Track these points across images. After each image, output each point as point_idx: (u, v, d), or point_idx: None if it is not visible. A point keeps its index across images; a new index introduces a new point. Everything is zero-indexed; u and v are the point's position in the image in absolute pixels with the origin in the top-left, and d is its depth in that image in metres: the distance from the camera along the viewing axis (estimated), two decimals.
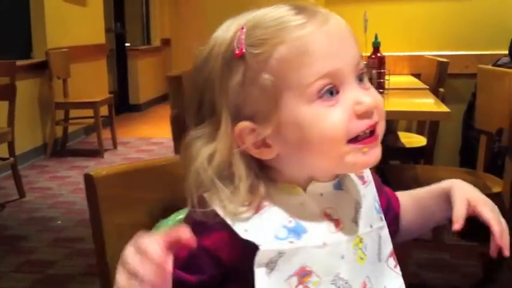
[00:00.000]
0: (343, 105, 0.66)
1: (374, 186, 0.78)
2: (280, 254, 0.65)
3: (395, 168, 2.65)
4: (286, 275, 0.66)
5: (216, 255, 0.67)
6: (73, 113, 5.28)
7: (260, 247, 0.65)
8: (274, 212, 0.68)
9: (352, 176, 0.75)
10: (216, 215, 0.66)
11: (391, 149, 3.00)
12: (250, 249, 0.65)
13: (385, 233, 0.76)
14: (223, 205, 0.66)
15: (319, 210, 0.70)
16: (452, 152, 3.27)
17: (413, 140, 3.10)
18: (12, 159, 3.71)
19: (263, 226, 0.66)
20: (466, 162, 3.05)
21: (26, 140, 4.73)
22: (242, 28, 0.67)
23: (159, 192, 0.84)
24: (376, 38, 2.55)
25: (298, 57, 0.65)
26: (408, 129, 3.33)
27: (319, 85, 0.65)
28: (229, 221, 0.66)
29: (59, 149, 5.19)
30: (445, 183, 0.82)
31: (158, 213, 0.82)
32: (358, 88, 0.67)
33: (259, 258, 0.65)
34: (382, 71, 2.46)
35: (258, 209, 0.67)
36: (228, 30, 0.69)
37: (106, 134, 5.23)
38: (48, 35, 5.08)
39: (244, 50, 0.66)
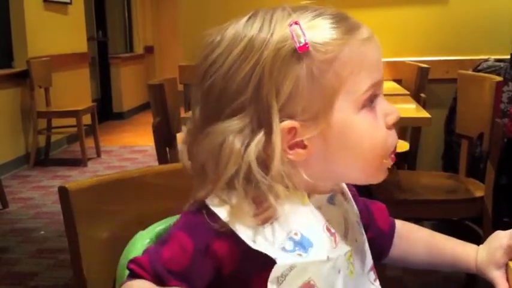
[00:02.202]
0: (379, 116, 0.67)
1: (353, 201, 0.78)
2: (292, 268, 0.65)
3: None
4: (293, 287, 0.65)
5: (218, 262, 0.65)
6: (56, 122, 5.25)
7: (277, 261, 0.64)
8: (279, 223, 0.66)
9: (338, 198, 0.75)
10: (219, 221, 0.64)
11: None
12: (249, 258, 0.65)
13: (367, 246, 0.77)
14: (233, 212, 0.64)
15: (322, 224, 0.69)
16: (435, 157, 3.29)
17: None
18: None
19: (270, 237, 0.65)
20: (449, 167, 3.07)
21: (8, 150, 4.69)
22: (295, 23, 0.64)
23: (136, 204, 0.84)
24: None
25: (359, 62, 0.66)
26: None
27: (369, 93, 0.66)
28: (238, 231, 0.64)
29: (42, 158, 5.14)
30: (474, 260, 0.79)
31: (135, 225, 0.81)
32: (384, 99, 0.69)
33: (274, 272, 0.64)
34: None
35: (266, 220, 0.66)
36: (266, 25, 0.65)
37: (89, 142, 5.19)
38: (29, 44, 5.04)
39: (309, 46, 0.64)
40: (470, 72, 2.77)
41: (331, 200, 0.72)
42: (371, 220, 0.82)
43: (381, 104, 0.68)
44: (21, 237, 3.25)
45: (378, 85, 0.67)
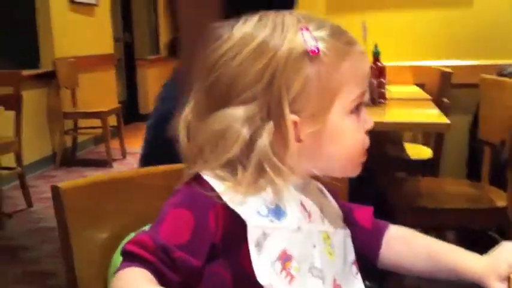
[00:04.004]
0: (361, 122, 0.76)
1: (333, 200, 0.84)
2: (264, 234, 0.69)
3: (400, 180, 2.62)
4: (272, 259, 0.69)
5: (213, 232, 0.69)
6: (82, 122, 5.31)
7: (248, 223, 0.69)
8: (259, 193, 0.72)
9: (313, 185, 0.81)
10: (212, 191, 0.70)
11: (397, 160, 2.97)
12: (236, 228, 0.69)
13: (349, 241, 0.82)
14: (226, 185, 0.71)
15: (297, 200, 0.75)
16: (460, 164, 3.23)
17: (419, 151, 3.07)
18: (19, 169, 3.73)
19: (248, 202, 0.71)
20: (473, 174, 3.01)
21: (35, 150, 4.76)
22: (305, 29, 0.72)
23: (131, 205, 0.83)
24: (375, 47, 2.52)
25: (355, 72, 0.75)
26: (414, 141, 3.30)
27: (358, 101, 0.75)
28: (226, 200, 0.70)
29: (68, 158, 5.21)
30: (476, 271, 0.79)
31: (129, 226, 0.81)
32: (364, 108, 0.77)
33: (250, 235, 0.69)
34: (382, 80, 2.44)
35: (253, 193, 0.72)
36: (278, 28, 0.73)
37: (115, 143, 5.24)
38: (55, 45, 5.11)
39: (319, 51, 0.72)
40: (492, 76, 2.71)
41: (303, 188, 0.78)
42: (350, 218, 0.85)
43: (362, 111, 0.77)
44: (43, 237, 3.29)
45: (363, 94, 0.76)
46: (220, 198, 0.70)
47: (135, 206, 0.83)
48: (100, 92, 5.93)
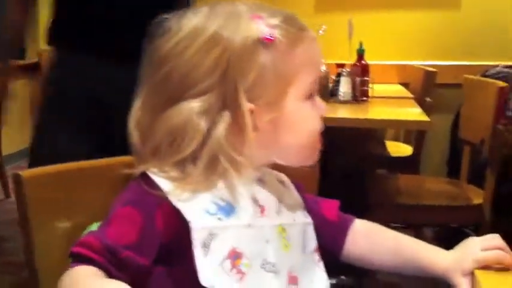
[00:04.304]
0: (315, 108, 0.76)
1: (295, 191, 0.84)
2: (211, 235, 0.69)
3: (380, 177, 2.63)
4: (220, 258, 0.68)
5: (160, 231, 0.68)
6: None
7: (191, 224, 0.68)
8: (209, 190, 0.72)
9: (272, 177, 0.81)
10: (159, 190, 0.69)
11: (378, 157, 2.97)
12: (184, 229, 0.68)
13: (311, 229, 0.81)
14: (174, 183, 0.69)
15: (248, 195, 0.74)
16: (441, 162, 3.24)
17: (400, 149, 3.08)
18: None
19: (195, 200, 0.70)
20: (454, 173, 3.02)
21: (15, 141, 4.70)
22: (259, 17, 0.72)
23: (95, 194, 0.82)
24: (360, 45, 2.52)
25: (309, 57, 0.75)
26: (396, 139, 3.31)
27: (313, 86, 0.75)
28: (172, 199, 0.69)
29: None
30: (441, 266, 0.79)
31: (94, 216, 0.80)
32: (317, 95, 0.78)
33: (194, 237, 0.68)
34: (366, 78, 2.44)
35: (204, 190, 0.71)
36: (230, 18, 0.72)
37: None
38: (41, 36, 5.04)
39: (275, 37, 0.71)
40: (475, 77, 2.72)
41: (259, 181, 0.77)
42: (315, 209, 0.85)
43: (316, 98, 0.77)
44: None
45: (317, 81, 0.77)
46: (167, 198, 0.68)
47: (99, 196, 0.82)
48: None
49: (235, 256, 0.70)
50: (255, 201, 0.75)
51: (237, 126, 0.71)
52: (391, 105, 2.53)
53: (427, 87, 2.81)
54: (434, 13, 3.33)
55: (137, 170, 0.72)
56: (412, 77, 3.15)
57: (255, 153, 0.72)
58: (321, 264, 0.81)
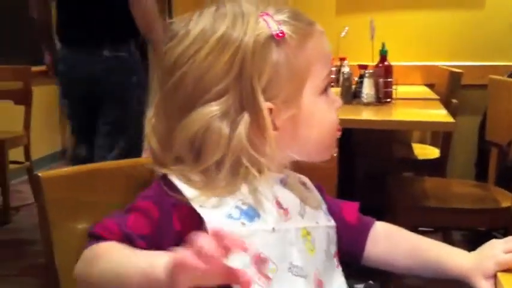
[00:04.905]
0: (331, 102, 0.76)
1: (317, 193, 0.82)
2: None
3: (406, 180, 2.60)
4: (244, 265, 0.67)
5: (177, 231, 0.68)
6: None
7: (208, 225, 0.66)
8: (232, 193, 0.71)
9: (294, 178, 0.80)
10: (178, 193, 0.69)
11: (404, 160, 2.94)
12: (206, 230, 0.66)
13: (333, 233, 0.80)
14: (196, 187, 0.69)
15: (271, 198, 0.73)
16: (468, 165, 3.20)
17: (426, 151, 3.05)
18: (28, 163, 3.75)
19: (219, 205, 0.69)
20: (481, 175, 2.98)
21: (44, 145, 4.79)
22: (266, 14, 0.71)
23: (111, 196, 0.83)
24: (383, 46, 2.50)
25: (320, 51, 0.74)
26: (422, 141, 3.27)
27: (326, 80, 0.75)
28: (193, 203, 0.68)
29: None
30: (462, 268, 0.77)
31: None
32: (331, 89, 0.78)
33: None
34: (389, 80, 2.41)
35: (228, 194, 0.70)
36: (238, 18, 0.71)
37: None
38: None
39: (286, 33, 0.71)
40: (501, 77, 2.67)
41: (282, 182, 0.77)
42: (336, 212, 0.84)
43: (330, 92, 0.77)
44: None
45: (330, 74, 0.77)
46: (189, 203, 0.68)
47: (116, 197, 0.82)
48: None
49: (260, 261, 0.69)
50: (279, 204, 0.74)
51: (257, 126, 0.70)
52: (416, 106, 2.50)
53: (452, 89, 2.77)
54: (457, 12, 3.29)
55: (160, 171, 0.72)
56: (437, 78, 3.11)
57: (276, 152, 0.71)
58: (340, 269, 0.80)
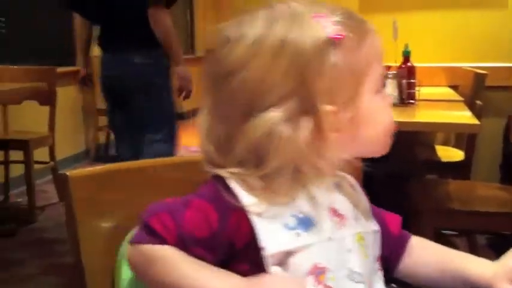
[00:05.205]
0: (385, 99, 0.75)
1: (364, 195, 0.81)
2: (289, 253, 0.67)
3: (430, 183, 2.57)
4: (300, 274, 0.67)
5: (232, 236, 0.68)
6: None
7: (264, 252, 0.66)
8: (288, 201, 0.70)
9: (345, 181, 0.79)
10: (236, 198, 0.68)
11: (427, 162, 2.92)
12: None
13: (378, 237, 0.79)
14: (257, 197, 0.68)
15: (326, 205, 0.72)
16: (493, 167, 3.16)
17: (450, 154, 3.02)
18: (52, 163, 3.80)
19: (276, 214, 0.68)
20: (507, 178, 2.94)
21: (69, 145, 4.84)
22: (320, 16, 0.70)
23: (139, 195, 0.83)
24: (406, 47, 2.48)
25: (375, 50, 0.73)
26: (446, 143, 3.24)
27: (382, 78, 0.74)
28: (251, 211, 0.68)
29: (102, 154, 5.29)
30: (486, 276, 0.78)
31: (136, 218, 0.81)
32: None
33: (268, 261, 0.66)
34: (412, 81, 2.39)
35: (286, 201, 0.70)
36: (292, 21, 0.69)
37: None
38: (91, 44, 5.18)
39: (344, 34, 0.69)
40: None
41: (337, 186, 0.76)
42: (380, 219, 0.82)
43: (383, 89, 0.76)
44: None
45: (383, 71, 0.75)
46: (245, 209, 0.68)
47: (143, 197, 0.83)
48: None
49: (318, 272, 0.68)
50: (334, 210, 0.73)
51: (317, 130, 0.68)
52: (439, 108, 2.48)
53: (476, 90, 2.74)
54: (481, 13, 3.26)
55: (216, 172, 0.71)
56: (461, 80, 3.08)
57: (336, 155, 0.70)
58: (381, 273, 0.79)
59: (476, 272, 0.78)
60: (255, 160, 0.69)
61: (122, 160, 2.69)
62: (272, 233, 0.67)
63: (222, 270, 0.67)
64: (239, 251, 0.68)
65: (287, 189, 0.69)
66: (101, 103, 5.20)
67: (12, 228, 3.34)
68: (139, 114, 2.83)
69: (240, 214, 0.68)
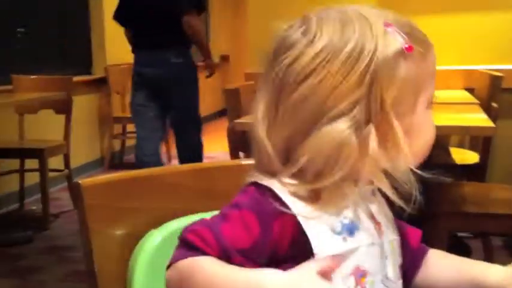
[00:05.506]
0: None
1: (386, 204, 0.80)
2: (335, 256, 0.67)
3: (445, 185, 2.55)
4: (344, 274, 0.68)
5: (275, 242, 0.67)
6: (130, 127, 5.40)
7: (316, 255, 0.66)
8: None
9: (376, 188, 0.77)
10: (283, 205, 0.67)
11: (442, 165, 2.90)
12: (303, 243, 0.67)
13: (399, 245, 0.79)
14: (309, 204, 0.67)
15: (367, 211, 0.73)
16: (509, 170, 3.13)
17: (466, 156, 2.99)
18: (67, 171, 3.83)
19: (324, 219, 0.68)
20: None
21: (84, 153, 4.88)
22: (390, 25, 0.69)
23: (151, 203, 0.84)
24: None
25: (434, 65, 0.72)
26: (461, 146, 3.22)
27: (433, 94, 0.73)
28: (300, 218, 0.67)
29: (117, 162, 5.32)
30: (500, 275, 0.78)
31: (150, 224, 0.81)
32: None
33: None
34: None
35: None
36: (366, 28, 0.68)
37: (162, 148, 5.31)
38: (107, 52, 5.23)
39: (414, 47, 0.68)
40: None
41: (373, 193, 0.75)
42: (400, 229, 0.80)
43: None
44: None
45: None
46: (292, 214, 0.67)
47: (155, 204, 0.84)
48: None
49: (360, 274, 0.69)
50: (373, 217, 0.73)
51: (382, 140, 0.67)
52: (455, 110, 2.46)
53: (492, 92, 2.72)
54: (497, 15, 3.22)
55: (248, 180, 0.70)
56: (477, 82, 3.05)
57: (386, 165, 0.68)
58: (401, 283, 0.78)
59: (494, 280, 0.78)
60: (316, 170, 0.67)
61: (139, 157, 3.62)
62: (322, 238, 0.67)
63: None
64: (281, 257, 0.67)
65: (338, 200, 0.68)
66: (117, 111, 5.27)
67: (28, 235, 3.37)
68: (173, 103, 3.57)
69: (284, 221, 0.67)
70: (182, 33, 3.44)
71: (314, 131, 0.66)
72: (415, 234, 0.85)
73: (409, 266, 0.82)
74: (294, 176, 0.68)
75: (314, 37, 0.68)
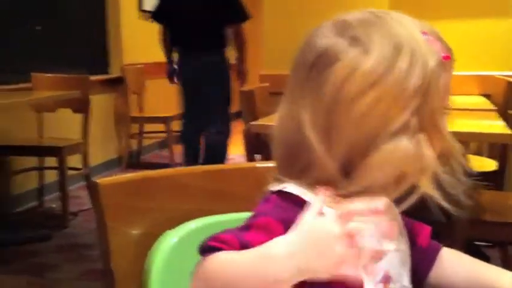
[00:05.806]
0: None
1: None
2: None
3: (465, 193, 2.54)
4: (376, 280, 0.69)
5: None
6: (147, 127, 5.44)
7: None
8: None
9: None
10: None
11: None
12: None
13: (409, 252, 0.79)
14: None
15: (392, 217, 0.74)
16: None
17: (483, 164, 2.97)
18: (85, 169, 3.87)
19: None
20: None
21: (102, 152, 4.92)
22: (425, 33, 0.69)
23: (169, 203, 0.85)
24: None
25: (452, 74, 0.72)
26: (479, 153, 3.19)
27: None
28: None
29: (134, 161, 5.35)
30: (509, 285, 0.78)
31: (167, 224, 0.83)
32: None
33: None
34: None
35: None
36: (412, 34, 0.69)
37: (179, 148, 5.34)
38: (124, 52, 5.28)
39: (450, 56, 0.70)
40: None
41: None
42: (410, 233, 0.80)
43: None
44: None
45: None
46: None
47: (171, 204, 0.85)
48: (165, 98, 6.06)
49: (386, 280, 0.70)
50: (393, 223, 0.75)
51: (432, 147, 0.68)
52: (472, 117, 2.44)
53: (510, 99, 2.70)
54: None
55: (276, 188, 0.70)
56: (493, 88, 3.04)
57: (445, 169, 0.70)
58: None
59: (499, 283, 0.78)
60: (380, 185, 0.67)
61: (187, 139, 4.25)
62: None
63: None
64: None
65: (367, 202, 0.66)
66: (134, 111, 5.31)
67: (46, 233, 3.41)
68: (211, 96, 4.12)
69: None
70: (223, 36, 4.11)
71: (377, 145, 0.66)
72: (423, 231, 0.84)
73: (419, 264, 0.82)
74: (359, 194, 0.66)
75: (366, 48, 0.66)
